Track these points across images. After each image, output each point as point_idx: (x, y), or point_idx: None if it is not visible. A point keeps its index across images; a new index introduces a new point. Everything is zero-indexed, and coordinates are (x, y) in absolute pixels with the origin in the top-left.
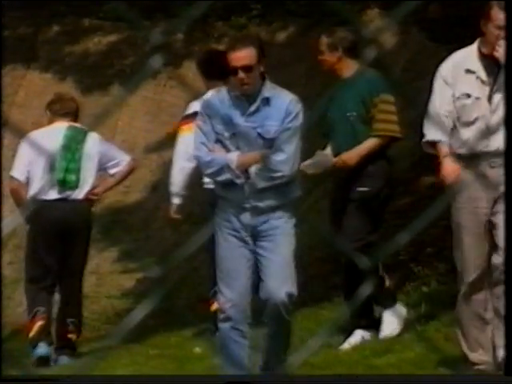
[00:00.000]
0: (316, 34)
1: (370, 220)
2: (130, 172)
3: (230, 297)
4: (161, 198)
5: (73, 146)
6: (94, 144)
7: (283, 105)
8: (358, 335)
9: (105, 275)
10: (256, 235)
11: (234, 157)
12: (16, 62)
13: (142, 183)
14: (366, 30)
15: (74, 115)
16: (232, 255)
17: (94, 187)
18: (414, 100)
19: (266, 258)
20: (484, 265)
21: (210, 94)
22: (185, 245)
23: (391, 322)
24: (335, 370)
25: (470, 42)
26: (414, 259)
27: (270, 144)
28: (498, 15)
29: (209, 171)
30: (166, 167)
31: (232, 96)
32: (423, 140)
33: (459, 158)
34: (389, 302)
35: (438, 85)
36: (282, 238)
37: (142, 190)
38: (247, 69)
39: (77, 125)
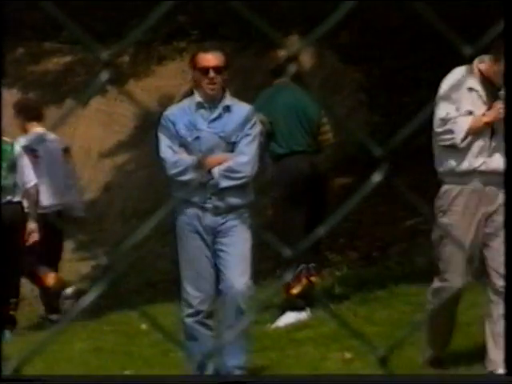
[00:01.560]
0: (246, 56)
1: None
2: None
3: (197, 295)
4: (112, 196)
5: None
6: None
7: (243, 113)
8: (290, 316)
9: (65, 262)
10: (216, 234)
11: (197, 158)
12: None
13: (96, 184)
14: (289, 49)
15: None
16: (196, 256)
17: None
18: (331, 111)
19: (226, 252)
20: (468, 277)
21: (175, 106)
22: (131, 236)
23: (292, 317)
24: (261, 343)
25: (376, 64)
26: (329, 248)
27: (231, 148)
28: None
29: (174, 171)
30: (117, 170)
31: (196, 104)
32: (442, 144)
33: (458, 175)
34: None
35: (441, 102)
36: (239, 235)
37: (96, 189)
38: (217, 69)
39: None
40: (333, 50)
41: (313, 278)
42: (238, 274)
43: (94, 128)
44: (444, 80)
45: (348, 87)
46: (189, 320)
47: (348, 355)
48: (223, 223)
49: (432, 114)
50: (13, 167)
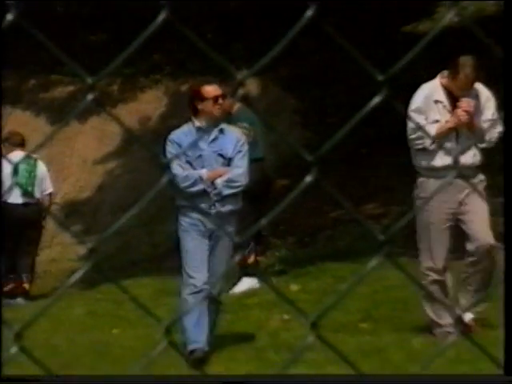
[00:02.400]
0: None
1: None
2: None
3: (200, 277)
4: (104, 195)
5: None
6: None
7: (234, 134)
8: (245, 282)
9: (66, 245)
10: (214, 233)
11: (204, 172)
12: (5, 104)
13: (91, 185)
14: (238, 75)
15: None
16: (199, 249)
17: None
18: (273, 128)
19: (217, 247)
20: (447, 253)
21: (177, 131)
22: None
23: (247, 283)
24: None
25: (308, 92)
26: (272, 234)
27: (228, 163)
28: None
29: (186, 184)
30: (108, 174)
31: (196, 128)
32: (417, 148)
33: (432, 170)
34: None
35: (413, 113)
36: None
37: (91, 189)
38: (223, 96)
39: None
40: (274, 80)
41: (258, 258)
42: (223, 264)
43: (90, 141)
44: (414, 95)
45: (286, 110)
46: (193, 297)
47: (286, 317)
48: (221, 225)
49: (351, 130)
50: (34, 177)
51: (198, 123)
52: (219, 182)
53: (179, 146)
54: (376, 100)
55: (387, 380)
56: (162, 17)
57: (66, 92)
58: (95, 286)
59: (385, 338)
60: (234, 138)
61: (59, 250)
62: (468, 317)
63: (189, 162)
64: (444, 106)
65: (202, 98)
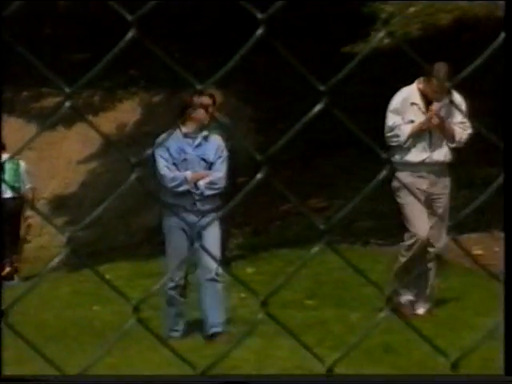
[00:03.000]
0: (178, 97)
1: None
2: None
3: (180, 273)
4: (86, 191)
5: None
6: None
7: (216, 141)
8: None
9: (54, 235)
10: (196, 229)
11: (188, 174)
12: (1, 113)
13: (76, 182)
14: (198, 86)
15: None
16: (181, 246)
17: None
18: (232, 133)
19: (204, 243)
20: (427, 226)
21: (165, 135)
22: (90, 216)
23: None
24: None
25: (263, 103)
26: (231, 225)
27: (210, 166)
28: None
29: (172, 184)
30: (90, 173)
31: (183, 134)
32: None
33: (408, 165)
34: None
35: (390, 113)
36: (213, 230)
37: (76, 186)
38: (213, 105)
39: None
40: (232, 93)
41: None
42: (211, 259)
43: (74, 145)
44: (393, 97)
45: (243, 119)
46: (171, 291)
47: (243, 295)
48: (202, 221)
49: (298, 135)
50: (18, 175)
51: (185, 129)
52: (201, 183)
53: (167, 149)
54: (318, 108)
55: (387, 380)
56: (130, 34)
57: (53, 102)
58: (79, 269)
59: (327, 312)
60: (216, 145)
61: (47, 239)
62: (404, 298)
63: (175, 165)
64: (419, 108)
65: (195, 107)
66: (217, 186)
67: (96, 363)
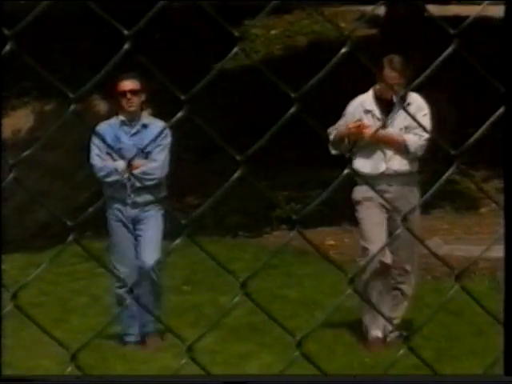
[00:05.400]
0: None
1: None
2: None
3: (124, 271)
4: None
5: None
6: None
7: (157, 129)
8: None
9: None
10: (135, 222)
11: (120, 164)
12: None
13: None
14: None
15: None
16: (122, 240)
17: None
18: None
19: (143, 237)
20: (381, 243)
21: (104, 122)
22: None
23: None
24: None
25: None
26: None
27: (147, 156)
28: (390, 74)
29: (101, 174)
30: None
31: (120, 122)
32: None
33: (366, 177)
34: None
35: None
36: (153, 223)
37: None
38: (133, 92)
39: None
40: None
41: None
42: (152, 253)
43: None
44: (350, 103)
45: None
46: (120, 291)
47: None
48: (141, 213)
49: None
50: None
51: (121, 117)
52: (134, 174)
53: (102, 137)
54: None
55: (387, 380)
56: (125, 47)
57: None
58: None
59: (200, 297)
60: (155, 133)
61: None
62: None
63: (109, 154)
64: (373, 115)
65: (118, 93)
66: (151, 177)
67: None
